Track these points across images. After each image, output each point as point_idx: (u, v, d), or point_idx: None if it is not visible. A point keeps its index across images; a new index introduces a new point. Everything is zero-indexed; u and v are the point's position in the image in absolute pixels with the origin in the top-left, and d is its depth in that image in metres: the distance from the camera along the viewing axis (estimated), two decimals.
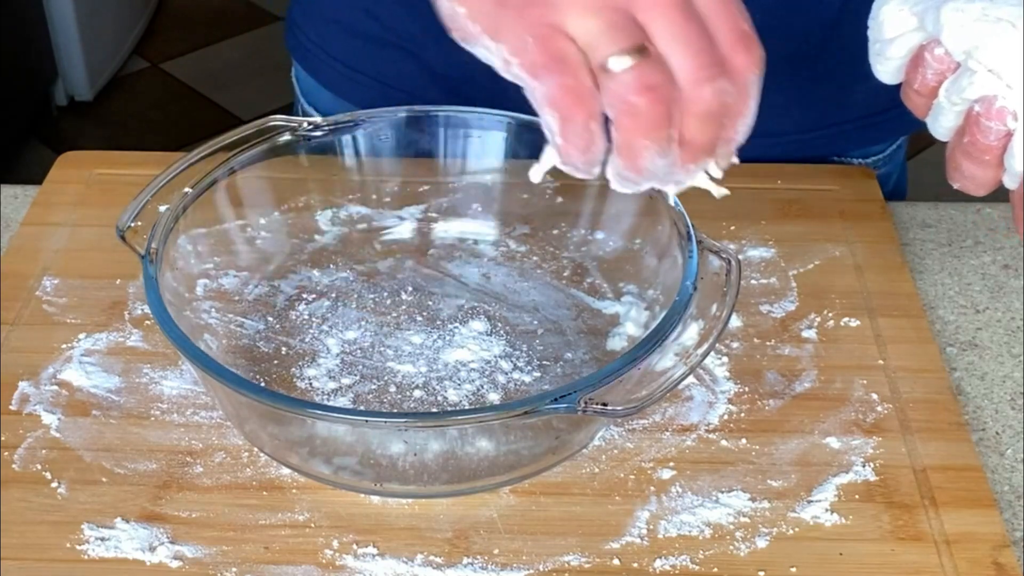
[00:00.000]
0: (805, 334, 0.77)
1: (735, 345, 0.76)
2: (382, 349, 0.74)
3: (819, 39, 0.91)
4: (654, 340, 0.63)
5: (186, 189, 0.72)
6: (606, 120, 0.57)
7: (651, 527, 0.65)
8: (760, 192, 0.88)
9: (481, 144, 0.80)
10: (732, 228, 0.85)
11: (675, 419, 0.71)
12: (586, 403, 0.60)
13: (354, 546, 0.64)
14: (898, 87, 0.95)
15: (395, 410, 0.70)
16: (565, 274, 0.79)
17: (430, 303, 0.77)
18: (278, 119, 0.75)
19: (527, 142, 0.77)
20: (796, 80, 0.92)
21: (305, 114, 1.07)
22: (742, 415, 0.71)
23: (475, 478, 0.65)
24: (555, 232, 0.81)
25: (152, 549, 0.64)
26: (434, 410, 0.70)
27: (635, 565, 0.63)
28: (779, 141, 0.93)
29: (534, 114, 0.72)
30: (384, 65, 0.98)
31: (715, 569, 0.63)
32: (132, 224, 0.71)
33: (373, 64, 0.98)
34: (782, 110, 0.94)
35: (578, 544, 0.64)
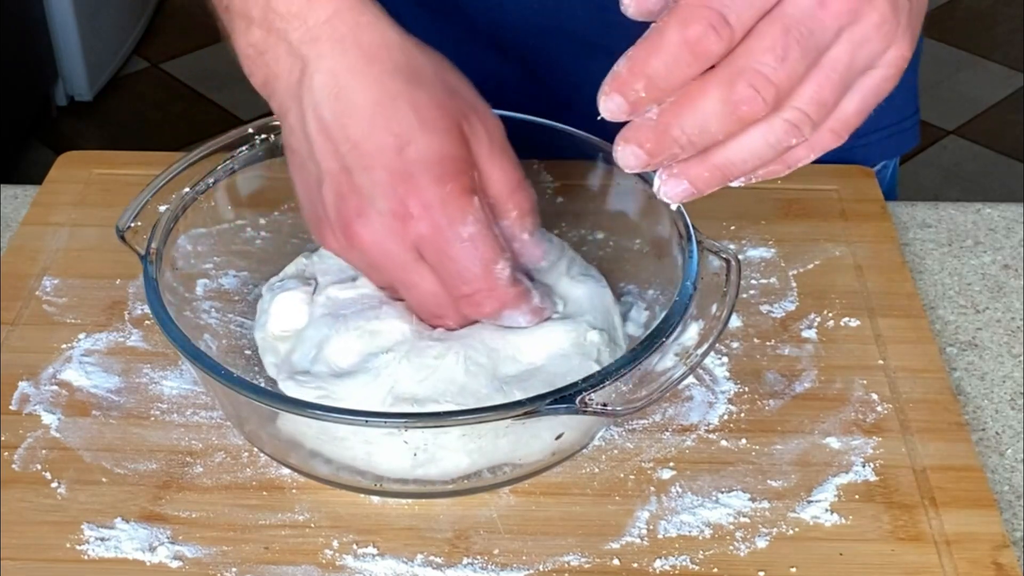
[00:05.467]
0: (805, 334, 0.77)
1: (735, 345, 0.76)
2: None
3: None
4: (654, 340, 0.63)
5: (186, 189, 0.72)
6: None
7: (651, 527, 0.65)
8: (760, 192, 0.88)
9: None
10: (732, 228, 0.85)
11: (675, 419, 0.71)
12: (586, 403, 0.60)
13: (354, 546, 0.64)
14: (883, 109, 0.94)
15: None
16: None
17: None
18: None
19: (526, 142, 0.77)
20: None
21: None
22: (742, 415, 0.71)
23: (475, 478, 0.65)
24: (555, 232, 0.81)
25: (152, 549, 0.64)
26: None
27: (635, 565, 0.63)
28: None
29: (532, 114, 0.72)
30: None
31: (715, 569, 0.63)
32: (132, 224, 0.71)
33: None
34: None
35: (578, 544, 0.64)
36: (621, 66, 0.52)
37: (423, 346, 0.66)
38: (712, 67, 0.52)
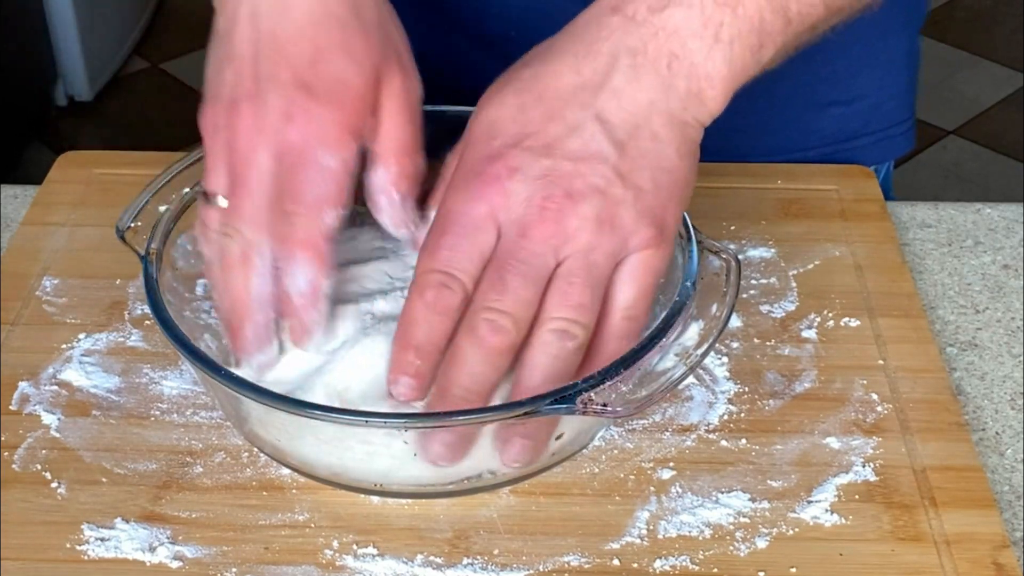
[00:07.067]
0: (805, 334, 0.77)
1: (735, 345, 0.76)
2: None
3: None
4: (654, 340, 0.63)
5: (186, 189, 0.72)
6: None
7: (651, 527, 0.65)
8: (760, 192, 0.88)
9: None
10: (732, 228, 0.85)
11: (675, 419, 0.71)
12: (586, 403, 0.60)
13: (354, 546, 0.64)
14: (870, 114, 0.93)
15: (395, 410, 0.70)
16: None
17: None
18: None
19: None
20: (758, 105, 0.91)
21: None
22: (742, 415, 0.71)
23: (475, 478, 0.65)
24: None
25: (152, 549, 0.64)
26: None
27: (635, 565, 0.63)
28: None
29: None
30: None
31: (715, 569, 0.63)
32: (132, 224, 0.71)
33: None
34: (745, 134, 0.93)
35: (578, 544, 0.64)
36: (392, 348, 0.61)
37: (368, 341, 0.66)
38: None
